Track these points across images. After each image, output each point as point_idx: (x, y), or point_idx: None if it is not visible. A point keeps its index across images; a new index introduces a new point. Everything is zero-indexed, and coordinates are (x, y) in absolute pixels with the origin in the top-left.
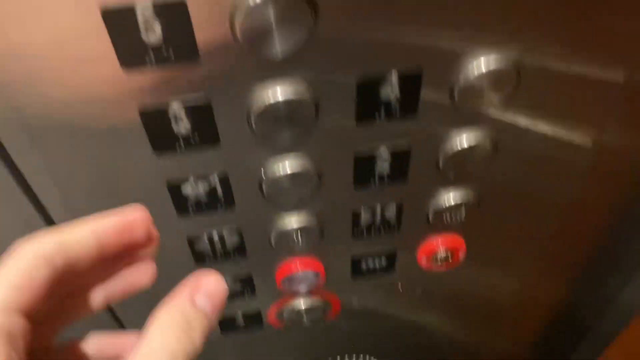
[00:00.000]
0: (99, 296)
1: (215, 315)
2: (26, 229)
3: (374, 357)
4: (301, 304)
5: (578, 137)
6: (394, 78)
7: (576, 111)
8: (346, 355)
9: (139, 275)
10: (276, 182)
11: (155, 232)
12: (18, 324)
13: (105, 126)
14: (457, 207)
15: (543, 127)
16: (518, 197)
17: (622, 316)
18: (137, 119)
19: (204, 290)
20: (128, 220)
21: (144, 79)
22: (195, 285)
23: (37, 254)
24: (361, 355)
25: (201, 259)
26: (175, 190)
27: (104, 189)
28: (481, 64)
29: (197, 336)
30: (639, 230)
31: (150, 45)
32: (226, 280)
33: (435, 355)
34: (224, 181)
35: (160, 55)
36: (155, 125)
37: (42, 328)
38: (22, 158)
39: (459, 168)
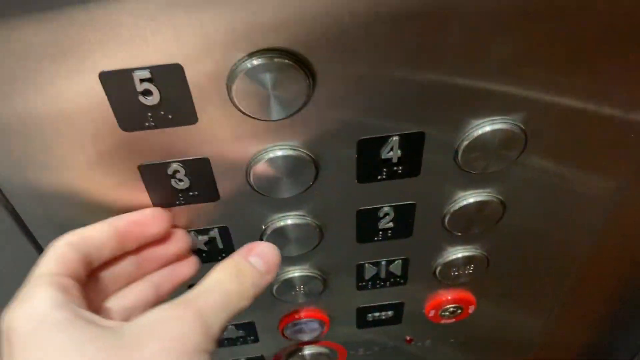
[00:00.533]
0: (146, 284)
1: (269, 275)
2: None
3: None
4: (305, 351)
5: (592, 190)
6: (395, 140)
7: (589, 165)
8: None
9: (183, 267)
10: (276, 235)
11: (181, 230)
12: (67, 280)
13: (109, 182)
14: (464, 264)
15: (554, 182)
16: (529, 254)
17: None
18: (138, 175)
19: (257, 252)
20: (142, 214)
21: (144, 139)
22: (249, 249)
23: (66, 241)
24: None
25: None
26: None
27: None
28: (486, 127)
29: (248, 284)
30: None
31: (148, 107)
32: (229, 327)
33: None
34: (224, 233)
35: (159, 118)
36: (155, 181)
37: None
38: (34, 223)
39: (465, 226)
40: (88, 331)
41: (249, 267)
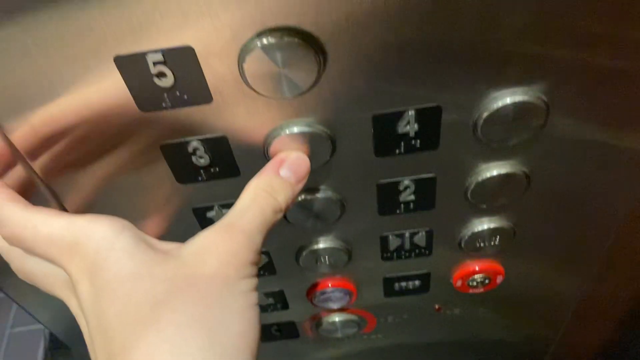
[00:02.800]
0: None
1: (300, 184)
2: None
3: None
4: (335, 318)
5: (626, 155)
6: (411, 115)
7: (621, 129)
8: None
9: None
10: (296, 209)
11: None
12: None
13: (132, 164)
14: (490, 235)
15: (583, 150)
16: (559, 223)
17: None
18: (161, 154)
19: (287, 164)
20: None
21: (163, 119)
22: (280, 160)
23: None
24: None
25: None
26: (201, 216)
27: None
28: (506, 99)
29: (281, 199)
30: None
31: (163, 89)
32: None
33: None
34: None
35: (175, 98)
36: (177, 159)
37: None
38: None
39: (489, 199)
40: (153, 255)
41: (281, 182)
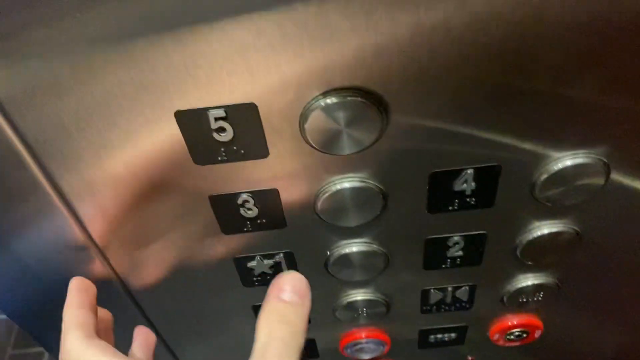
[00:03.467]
0: None
1: (307, 300)
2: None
3: None
4: None
5: None
6: (469, 173)
7: None
8: None
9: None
10: (341, 261)
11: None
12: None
13: (180, 213)
14: (534, 291)
15: (635, 211)
16: (603, 281)
17: None
18: (208, 204)
19: (285, 288)
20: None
21: (217, 171)
22: (277, 287)
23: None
24: None
25: None
26: (241, 266)
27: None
28: (566, 161)
29: (297, 321)
30: None
31: (222, 143)
32: None
33: None
34: (289, 258)
35: (231, 153)
36: (225, 210)
37: None
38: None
39: (538, 256)
40: None
41: (286, 306)
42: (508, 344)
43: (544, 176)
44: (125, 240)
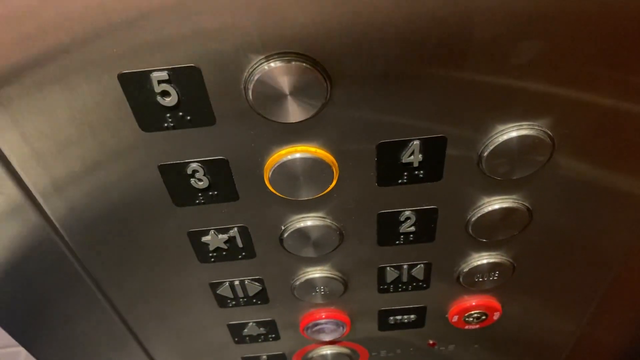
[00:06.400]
0: None
1: None
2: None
3: None
4: (327, 351)
5: (625, 196)
6: (416, 144)
7: (623, 167)
8: None
9: None
10: (295, 236)
11: None
12: None
13: (128, 182)
14: (489, 270)
15: (585, 186)
16: (559, 260)
17: None
18: (158, 175)
19: None
20: None
21: (164, 139)
22: None
23: None
24: None
25: (223, 303)
26: (195, 240)
27: (126, 238)
28: (512, 133)
29: None
30: None
31: (167, 109)
32: (250, 324)
33: None
34: (244, 232)
35: (178, 119)
36: (175, 180)
37: None
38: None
39: (490, 233)
40: None
41: None
42: (468, 327)
43: (490, 148)
44: (78, 211)
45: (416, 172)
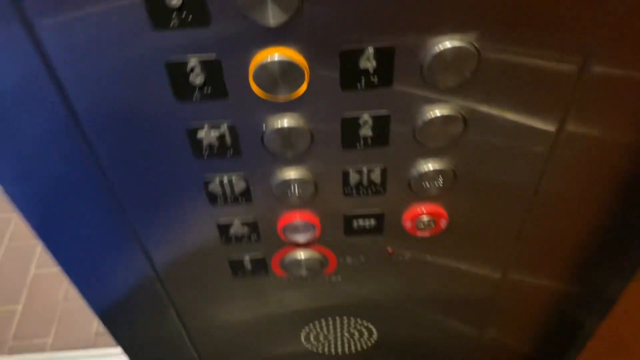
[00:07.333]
0: None
1: None
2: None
3: (371, 324)
4: (301, 254)
5: (539, 123)
6: (370, 52)
7: (533, 98)
8: (344, 317)
9: None
10: (274, 135)
11: None
12: None
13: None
14: (434, 176)
15: (505, 108)
16: (493, 170)
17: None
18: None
19: None
20: None
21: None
22: None
23: None
24: (358, 319)
25: (214, 200)
26: (193, 136)
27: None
28: (446, 43)
29: None
30: (615, 224)
31: (173, 9)
32: (235, 221)
33: (428, 334)
34: (232, 131)
35: (180, 18)
36: (177, 76)
37: None
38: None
39: (431, 138)
40: None
41: None
42: (420, 234)
43: (428, 57)
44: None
45: (371, 78)
